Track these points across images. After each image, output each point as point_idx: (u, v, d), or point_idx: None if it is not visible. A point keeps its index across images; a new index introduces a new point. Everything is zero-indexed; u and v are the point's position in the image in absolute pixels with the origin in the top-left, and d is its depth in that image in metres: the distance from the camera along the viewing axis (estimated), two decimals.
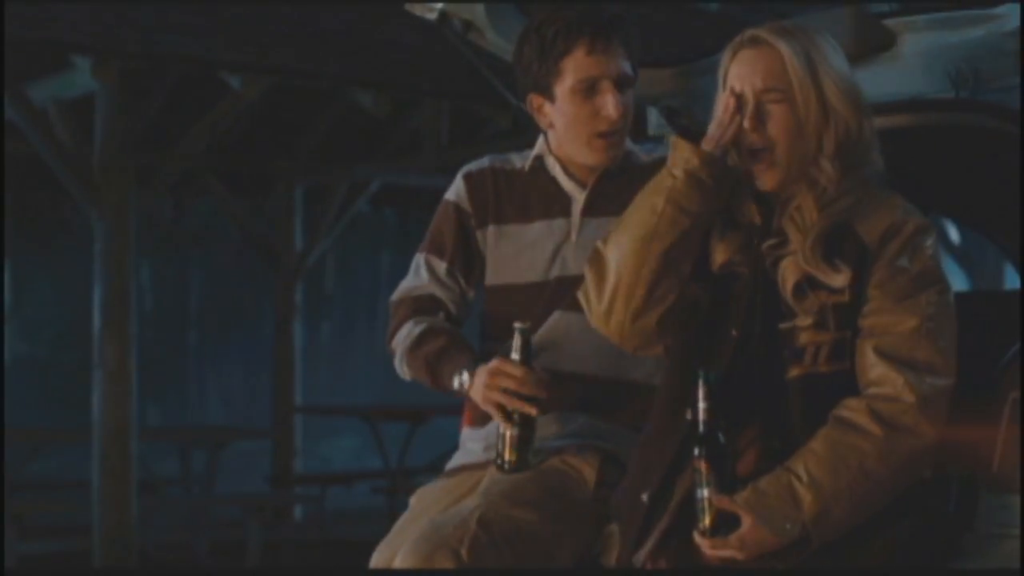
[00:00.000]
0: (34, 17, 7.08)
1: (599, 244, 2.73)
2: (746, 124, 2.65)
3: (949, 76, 3.13)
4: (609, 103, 2.93)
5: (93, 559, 7.89)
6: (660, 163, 2.78)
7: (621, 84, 2.95)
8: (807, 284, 2.62)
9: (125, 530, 7.88)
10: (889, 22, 3.20)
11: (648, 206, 2.66)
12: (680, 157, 2.65)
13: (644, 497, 2.67)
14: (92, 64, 7.52)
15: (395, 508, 3.02)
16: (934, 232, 2.68)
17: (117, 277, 7.95)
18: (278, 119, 10.20)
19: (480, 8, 3.30)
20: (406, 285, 3.14)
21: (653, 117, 3.65)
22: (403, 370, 3.09)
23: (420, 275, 3.11)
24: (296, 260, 11.05)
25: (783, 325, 2.63)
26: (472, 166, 3.14)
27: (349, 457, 12.70)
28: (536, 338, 2.92)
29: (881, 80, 3.21)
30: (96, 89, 7.84)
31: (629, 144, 3.07)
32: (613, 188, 3.01)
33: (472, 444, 3.10)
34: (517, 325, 2.84)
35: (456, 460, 3.12)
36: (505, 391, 2.82)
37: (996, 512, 2.71)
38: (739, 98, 2.66)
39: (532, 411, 2.82)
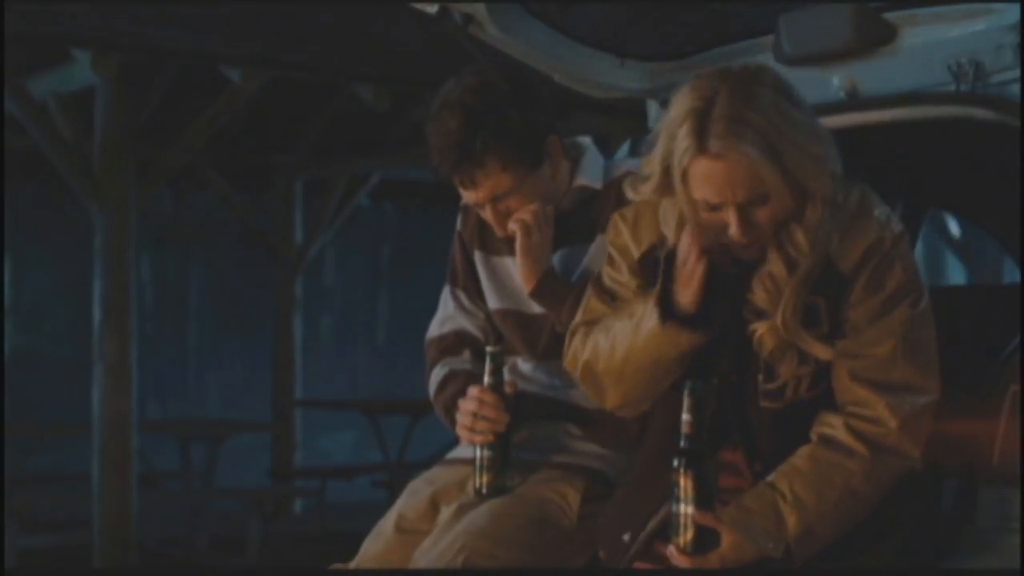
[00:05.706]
0: (34, 11, 7.06)
1: (589, 359, 2.71)
2: (734, 233, 2.51)
3: (949, 69, 3.12)
4: (490, 221, 3.02)
5: (93, 553, 7.89)
6: (614, 187, 2.85)
7: (499, 199, 2.97)
8: (786, 347, 2.56)
9: (125, 523, 7.88)
10: (889, 16, 3.19)
11: (644, 358, 2.63)
12: (671, 342, 2.58)
13: (626, 538, 2.66)
14: (92, 57, 7.50)
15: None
16: (906, 238, 2.64)
17: (117, 270, 7.94)
18: (278, 113, 10.19)
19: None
20: (436, 320, 3.21)
21: (653, 110, 3.65)
22: (440, 416, 3.14)
23: (447, 307, 3.19)
24: (296, 253, 11.05)
25: (762, 361, 2.59)
26: None
27: (349, 450, 12.71)
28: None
29: (881, 73, 3.21)
30: (96, 82, 7.83)
31: (584, 175, 3.06)
32: (571, 222, 3.04)
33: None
34: (488, 349, 2.92)
35: (453, 453, 3.15)
36: (472, 415, 2.88)
37: (996, 506, 2.71)
38: (716, 207, 2.52)
39: (489, 435, 2.87)
